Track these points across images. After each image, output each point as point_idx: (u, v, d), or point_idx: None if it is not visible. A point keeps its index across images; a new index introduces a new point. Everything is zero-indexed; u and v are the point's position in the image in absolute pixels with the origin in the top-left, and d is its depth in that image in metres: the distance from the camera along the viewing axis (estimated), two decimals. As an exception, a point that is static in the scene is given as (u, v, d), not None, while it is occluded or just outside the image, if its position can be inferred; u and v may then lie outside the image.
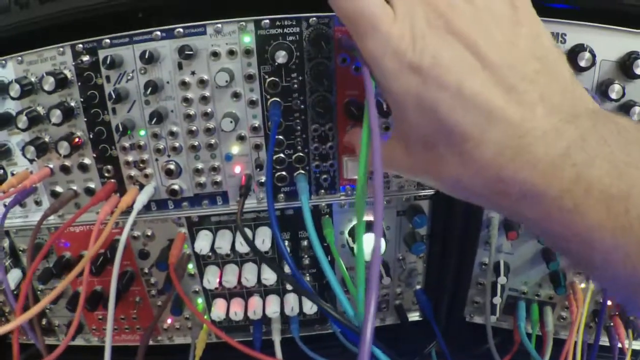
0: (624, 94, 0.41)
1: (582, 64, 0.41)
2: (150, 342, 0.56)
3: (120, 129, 0.41)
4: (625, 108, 0.42)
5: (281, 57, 0.39)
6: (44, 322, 0.57)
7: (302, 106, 0.43)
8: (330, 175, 0.46)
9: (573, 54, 0.41)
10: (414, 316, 0.57)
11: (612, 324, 0.53)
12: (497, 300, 0.51)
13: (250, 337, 0.54)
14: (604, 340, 0.55)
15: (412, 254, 0.50)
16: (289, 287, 0.51)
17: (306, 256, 0.50)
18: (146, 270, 0.51)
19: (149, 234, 0.48)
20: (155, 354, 0.55)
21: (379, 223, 0.26)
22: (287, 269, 0.48)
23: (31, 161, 0.44)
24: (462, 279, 0.52)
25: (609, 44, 0.42)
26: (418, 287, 0.55)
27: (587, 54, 0.41)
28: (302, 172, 0.45)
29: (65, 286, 0.40)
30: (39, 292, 0.53)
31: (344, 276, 0.46)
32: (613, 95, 0.41)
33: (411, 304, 0.56)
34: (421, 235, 0.50)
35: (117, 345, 0.56)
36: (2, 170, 0.47)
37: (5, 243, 0.52)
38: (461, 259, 0.51)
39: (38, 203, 0.47)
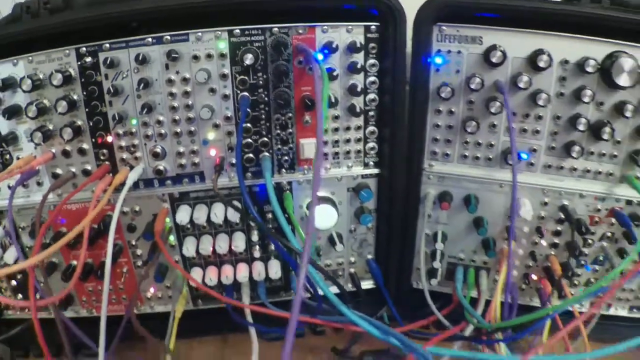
0: (531, 84, 0.59)
1: (494, 60, 0.58)
2: (134, 311, 0.72)
3: (117, 118, 0.57)
4: (534, 95, 0.59)
5: (249, 59, 0.56)
6: (37, 296, 0.71)
7: (266, 99, 0.60)
8: (290, 157, 0.63)
9: (487, 54, 0.59)
10: (368, 284, 0.74)
11: (541, 285, 0.71)
12: (437, 264, 0.69)
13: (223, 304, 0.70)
14: (536, 302, 0.72)
15: (361, 225, 0.68)
16: (256, 255, 0.68)
17: (271, 227, 0.67)
18: (133, 243, 0.67)
19: (137, 209, 0.64)
20: (140, 318, 0.70)
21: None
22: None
23: (37, 145, 0.59)
24: (406, 248, 0.70)
25: (519, 43, 0.59)
26: (369, 257, 0.72)
27: (498, 53, 0.58)
28: (267, 154, 0.62)
29: (69, 240, 0.54)
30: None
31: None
32: (522, 85, 0.58)
33: (364, 272, 0.74)
34: (369, 209, 0.68)
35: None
36: (8, 155, 0.62)
37: (6, 221, 0.67)
38: (404, 230, 0.69)
39: (40, 184, 0.63)
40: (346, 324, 0.56)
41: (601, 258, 0.69)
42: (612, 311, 0.74)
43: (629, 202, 0.65)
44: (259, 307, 0.62)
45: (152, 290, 0.71)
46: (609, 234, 0.67)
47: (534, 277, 0.71)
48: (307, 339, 0.75)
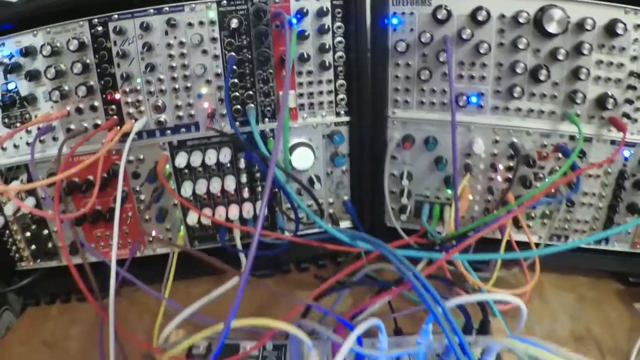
0: (473, 36, 0.84)
1: (440, 17, 0.84)
2: (137, 254, 0.98)
3: (124, 76, 0.83)
4: (477, 46, 0.85)
5: (234, 24, 0.82)
6: (49, 245, 0.97)
7: (250, 57, 0.86)
8: (272, 108, 0.90)
9: (435, 13, 0.84)
10: (346, 224, 1.00)
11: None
12: (405, 200, 0.95)
13: (218, 244, 0.97)
14: (497, 235, 0.97)
15: (337, 168, 0.94)
16: (245, 196, 0.94)
17: (257, 169, 0.93)
18: (137, 189, 0.92)
19: (141, 157, 0.90)
20: (141, 264, 0.95)
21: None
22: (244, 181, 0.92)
23: (54, 103, 0.85)
24: (376, 188, 0.96)
25: (461, 2, 0.84)
26: (345, 198, 0.99)
27: (444, 11, 0.83)
28: (252, 105, 0.88)
29: (92, 161, 0.81)
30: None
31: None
32: (465, 37, 0.83)
33: (342, 213, 1.00)
34: (343, 154, 0.94)
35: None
36: (28, 115, 0.88)
37: (24, 175, 0.92)
38: (374, 171, 0.95)
39: (55, 139, 0.88)
40: (322, 242, 0.82)
41: (552, 191, 0.95)
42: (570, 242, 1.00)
43: (572, 138, 0.89)
44: (245, 227, 0.90)
45: (153, 232, 0.97)
46: (557, 168, 0.93)
47: (494, 211, 0.97)
48: (293, 276, 1.01)
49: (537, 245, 0.96)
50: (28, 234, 0.96)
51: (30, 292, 1.01)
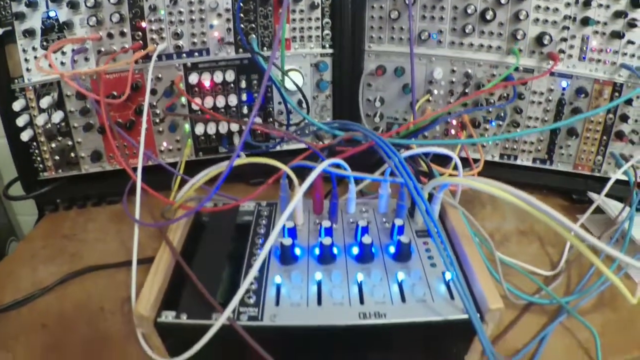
0: None
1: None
2: (149, 163, 1.42)
3: (152, 7, 1.27)
4: None
5: (242, -31, 1.26)
6: (72, 154, 1.36)
7: (254, -4, 1.29)
8: (269, 39, 1.31)
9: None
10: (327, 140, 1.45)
11: (458, 138, 1.42)
12: (377, 120, 1.38)
13: (220, 155, 1.40)
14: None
15: (322, 92, 1.40)
16: (244, 112, 1.36)
17: (255, 90, 1.37)
18: (154, 104, 1.33)
19: (159, 76, 1.29)
20: (153, 171, 1.35)
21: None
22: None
23: (91, 27, 1.24)
24: (354, 111, 1.39)
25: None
26: (328, 119, 1.42)
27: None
28: (254, 36, 1.29)
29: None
30: (74, 128, 1.36)
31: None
32: None
33: (325, 134, 1.44)
34: (327, 80, 1.37)
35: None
36: (65, 38, 1.31)
37: (55, 92, 1.35)
38: (352, 97, 1.39)
39: (87, 59, 1.29)
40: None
41: (502, 114, 1.36)
42: (519, 161, 1.42)
43: (516, 69, 1.30)
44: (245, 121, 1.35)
45: (164, 144, 1.37)
46: (505, 95, 1.34)
47: (453, 132, 1.43)
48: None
49: (490, 163, 1.43)
50: (53, 145, 1.34)
51: (49, 198, 1.40)
